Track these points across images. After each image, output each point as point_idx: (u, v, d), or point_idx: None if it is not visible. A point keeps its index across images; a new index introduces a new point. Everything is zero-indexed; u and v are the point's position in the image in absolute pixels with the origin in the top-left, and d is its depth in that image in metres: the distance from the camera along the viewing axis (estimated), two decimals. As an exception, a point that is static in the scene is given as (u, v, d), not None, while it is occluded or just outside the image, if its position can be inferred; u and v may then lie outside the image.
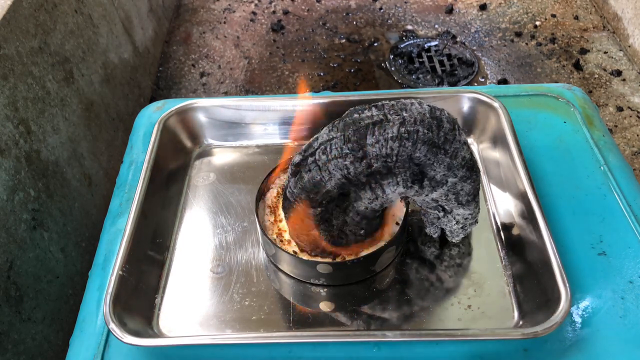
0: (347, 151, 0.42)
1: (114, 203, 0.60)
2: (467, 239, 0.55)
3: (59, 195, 0.81)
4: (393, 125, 0.42)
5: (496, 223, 0.56)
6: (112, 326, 0.44)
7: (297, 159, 0.45)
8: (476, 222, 0.52)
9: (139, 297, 0.50)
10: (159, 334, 0.49)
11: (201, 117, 0.65)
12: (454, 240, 0.53)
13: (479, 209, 0.51)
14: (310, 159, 0.44)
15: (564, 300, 0.44)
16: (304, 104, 0.63)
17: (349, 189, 0.45)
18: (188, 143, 0.65)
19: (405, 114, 0.42)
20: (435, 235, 0.54)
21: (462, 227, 0.51)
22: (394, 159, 0.42)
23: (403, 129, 0.42)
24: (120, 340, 0.44)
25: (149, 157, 0.58)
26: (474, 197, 0.49)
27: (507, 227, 0.55)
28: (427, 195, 0.47)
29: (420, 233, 0.55)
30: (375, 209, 0.47)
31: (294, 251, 0.51)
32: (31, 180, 0.74)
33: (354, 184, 0.44)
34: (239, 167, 0.64)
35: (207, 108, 0.64)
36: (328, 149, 0.43)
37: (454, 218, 0.50)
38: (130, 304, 0.48)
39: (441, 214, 0.50)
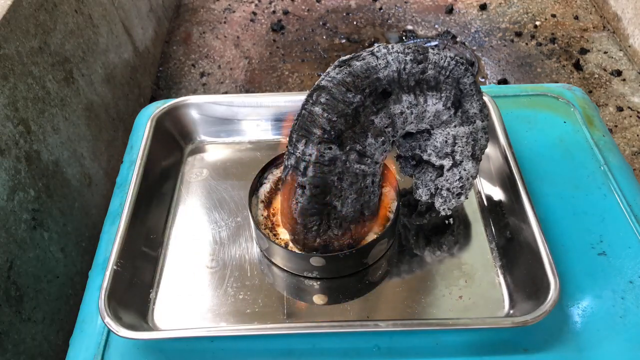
0: (409, 51, 0.47)
1: (114, 203, 0.61)
2: (457, 231, 0.55)
3: (59, 195, 0.81)
4: (451, 52, 0.48)
5: (486, 215, 0.57)
6: (107, 320, 0.45)
7: (346, 57, 0.47)
8: (466, 196, 0.54)
9: (133, 292, 0.50)
10: (153, 328, 0.49)
11: (194, 114, 0.65)
12: (442, 209, 0.54)
13: (475, 176, 0.53)
14: (365, 53, 0.47)
15: (553, 289, 0.45)
16: (297, 99, 0.64)
17: (394, 89, 0.47)
18: (181, 140, 0.66)
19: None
20: (424, 198, 0.55)
21: (460, 187, 0.52)
22: (447, 73, 0.48)
23: (458, 57, 0.48)
24: (116, 334, 0.44)
25: (142, 154, 0.58)
26: (481, 156, 0.53)
27: (496, 219, 0.56)
28: (455, 127, 0.50)
29: (411, 215, 0.57)
30: (405, 122, 0.48)
31: (286, 244, 0.52)
32: (31, 180, 0.74)
33: (401, 85, 0.47)
34: (232, 163, 0.64)
35: (199, 105, 0.65)
36: (390, 47, 0.47)
37: (459, 172, 0.52)
38: (125, 299, 0.48)
39: (449, 163, 0.51)
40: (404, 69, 0.47)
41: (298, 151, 0.47)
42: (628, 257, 0.52)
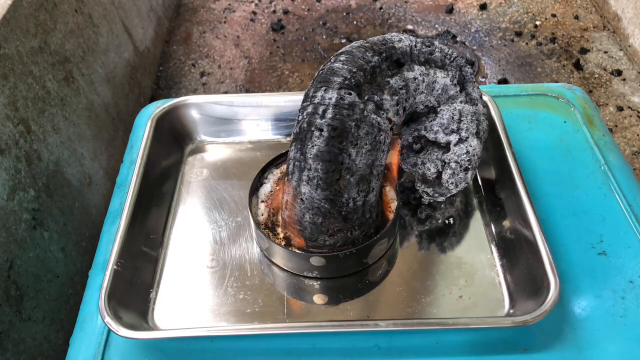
0: (419, 38, 0.53)
1: (114, 203, 0.61)
2: (457, 231, 0.55)
3: (59, 195, 0.81)
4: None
5: (486, 215, 0.57)
6: (108, 320, 0.45)
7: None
8: (472, 176, 0.55)
9: (134, 292, 0.50)
10: (153, 328, 0.49)
11: (194, 114, 0.65)
12: (450, 183, 0.54)
13: (480, 156, 0.55)
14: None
15: (553, 289, 0.45)
16: (297, 99, 0.64)
17: (407, 61, 0.52)
18: (181, 140, 0.66)
19: None
20: (432, 171, 0.56)
21: (468, 161, 0.54)
22: (451, 59, 0.53)
23: (460, 55, 0.55)
24: (116, 334, 0.44)
25: (142, 154, 0.58)
26: (484, 138, 0.56)
27: (496, 219, 0.56)
28: (460, 103, 0.54)
29: (414, 213, 0.57)
30: (417, 89, 0.52)
31: (285, 242, 0.52)
32: (31, 180, 0.74)
33: (414, 58, 0.52)
34: (232, 163, 0.64)
35: (199, 105, 0.65)
36: (400, 33, 0.53)
37: (466, 147, 0.54)
38: (125, 299, 0.48)
39: (456, 139, 0.54)
40: (415, 46, 0.52)
41: (316, 99, 0.48)
42: (628, 257, 0.52)
